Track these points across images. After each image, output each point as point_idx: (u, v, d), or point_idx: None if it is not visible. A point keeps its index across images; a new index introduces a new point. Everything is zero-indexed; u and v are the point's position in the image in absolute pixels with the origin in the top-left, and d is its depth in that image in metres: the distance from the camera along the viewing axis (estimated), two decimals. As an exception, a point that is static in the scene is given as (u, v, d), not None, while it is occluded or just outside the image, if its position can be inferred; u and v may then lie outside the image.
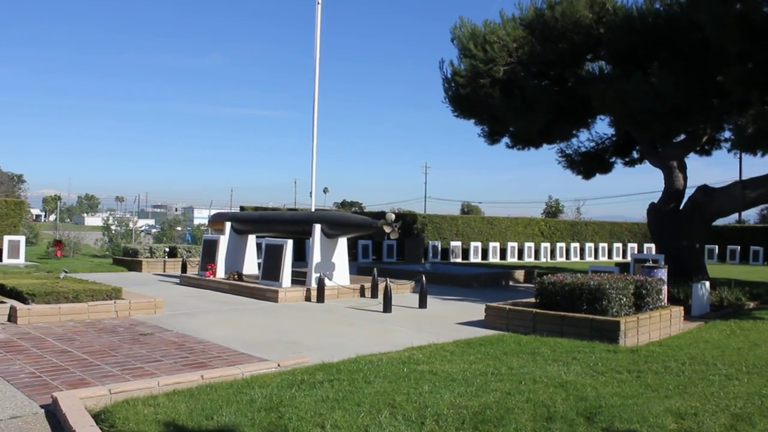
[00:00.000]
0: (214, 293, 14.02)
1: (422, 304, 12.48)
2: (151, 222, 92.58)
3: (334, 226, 13.94)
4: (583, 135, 21.01)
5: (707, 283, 13.01)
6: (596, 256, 36.48)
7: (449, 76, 19.06)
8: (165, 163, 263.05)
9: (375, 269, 14.77)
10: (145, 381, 5.81)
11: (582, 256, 35.86)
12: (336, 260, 14.23)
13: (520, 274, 19.78)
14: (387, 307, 11.71)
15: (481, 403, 5.39)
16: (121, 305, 10.27)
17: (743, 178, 36.61)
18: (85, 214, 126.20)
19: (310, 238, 14.09)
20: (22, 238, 21.06)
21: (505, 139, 20.73)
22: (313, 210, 16.51)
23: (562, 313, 9.28)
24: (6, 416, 4.95)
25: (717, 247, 35.89)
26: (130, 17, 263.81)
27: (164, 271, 19.36)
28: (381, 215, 16.20)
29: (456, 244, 31.35)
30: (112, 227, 28.99)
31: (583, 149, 21.03)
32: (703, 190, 17.27)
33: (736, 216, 41.04)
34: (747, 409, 5.48)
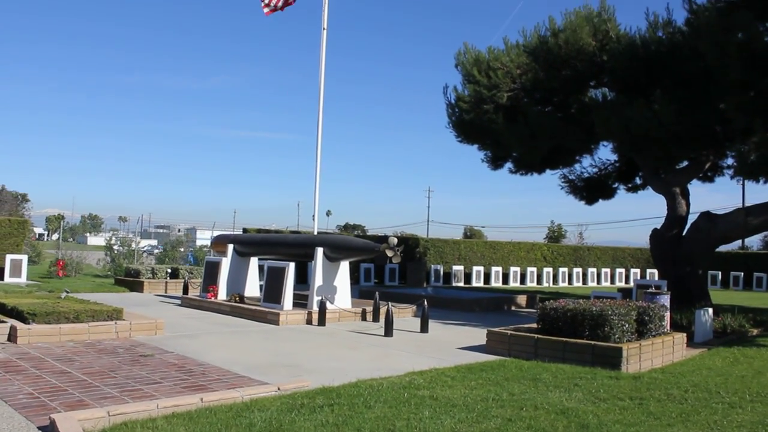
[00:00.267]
0: (215, 315, 13.99)
1: (424, 328, 12.43)
2: (154, 242, 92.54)
3: (336, 249, 13.94)
4: (586, 161, 21.12)
5: (710, 310, 12.95)
6: (599, 282, 36.34)
7: (453, 101, 19.19)
8: (169, 184, 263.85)
9: (377, 293, 14.72)
10: (144, 403, 5.78)
11: (585, 282, 35.75)
12: (338, 283, 14.20)
13: (522, 299, 19.71)
14: (388, 331, 11.66)
15: (481, 430, 5.35)
16: (122, 326, 10.25)
17: (746, 204, 36.62)
18: (88, 234, 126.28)
19: (312, 261, 14.08)
20: (24, 257, 21.09)
21: (509, 165, 20.82)
22: (315, 233, 16.50)
23: (564, 339, 9.24)
24: (4, 437, 4.92)
25: (720, 273, 35.77)
26: (138, 39, 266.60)
27: (166, 292, 19.34)
28: (383, 239, 16.21)
29: (458, 268, 31.30)
30: (115, 247, 28.97)
31: (585, 175, 21.09)
32: (706, 216, 17.27)
33: (739, 242, 40.95)
34: (750, 439, 5.42)
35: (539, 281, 33.71)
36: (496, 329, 10.34)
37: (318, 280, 13.82)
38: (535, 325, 10.24)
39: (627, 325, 9.24)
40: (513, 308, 18.99)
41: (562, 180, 21.24)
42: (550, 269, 34.77)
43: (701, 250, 17.43)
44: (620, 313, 9.17)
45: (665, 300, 11.08)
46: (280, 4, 16.84)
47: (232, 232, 27.07)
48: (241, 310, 13.89)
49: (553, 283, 34.13)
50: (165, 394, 6.40)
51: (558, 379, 7.69)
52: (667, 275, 16.93)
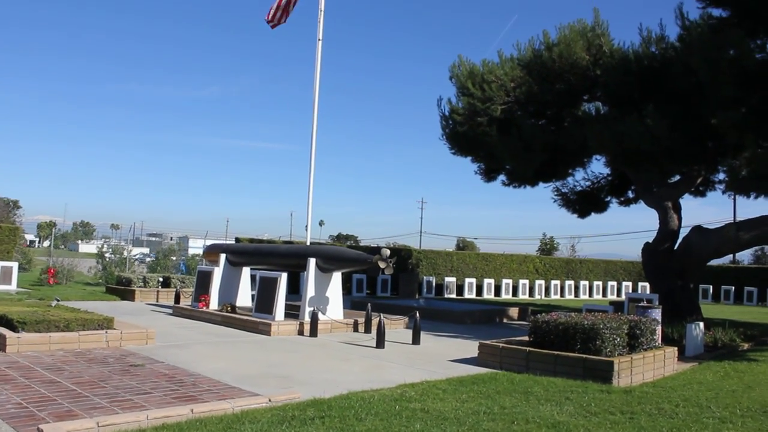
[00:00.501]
0: (206, 325, 13.92)
1: (416, 340, 12.41)
2: (146, 250, 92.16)
3: (329, 260, 13.93)
4: (579, 174, 21.18)
5: (701, 324, 12.99)
6: (591, 294, 36.40)
7: (447, 113, 19.25)
8: (162, 192, 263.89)
9: (369, 304, 14.69)
10: (134, 414, 5.75)
11: (577, 294, 35.80)
12: (330, 294, 14.18)
13: (514, 312, 19.71)
14: (380, 342, 11.63)
15: (472, 443, 5.33)
16: (113, 335, 10.19)
17: (737, 218, 36.78)
18: (79, 241, 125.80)
19: (305, 272, 14.06)
20: (15, 264, 20.95)
21: (502, 177, 20.87)
22: (308, 243, 16.49)
23: (556, 352, 9.24)
24: (-9, 448, 4.88)
25: (711, 287, 35.89)
26: (134, 49, 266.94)
27: (157, 301, 19.25)
28: (376, 250, 16.22)
29: (450, 279, 31.30)
30: (107, 255, 28.84)
31: (578, 188, 21.18)
32: (698, 230, 17.36)
33: (730, 256, 41.14)
34: (740, 455, 5.44)
35: (531, 293, 33.74)
36: (488, 342, 10.34)
37: (310, 290, 13.79)
38: (526, 338, 10.24)
39: (618, 339, 9.26)
40: (505, 320, 18.98)
41: (555, 193, 21.32)
42: (542, 281, 34.82)
43: (693, 264, 17.50)
44: (612, 327, 9.19)
45: (657, 314, 11.11)
46: (279, 15, 17.00)
47: (224, 242, 27.02)
48: (232, 320, 13.83)
49: (545, 296, 34.17)
50: (155, 404, 6.36)
51: (549, 393, 7.68)
52: (659, 289, 17.00)
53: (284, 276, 13.71)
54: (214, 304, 15.30)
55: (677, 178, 18.59)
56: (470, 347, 11.50)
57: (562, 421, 6.23)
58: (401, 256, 30.17)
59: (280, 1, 17.02)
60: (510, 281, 33.38)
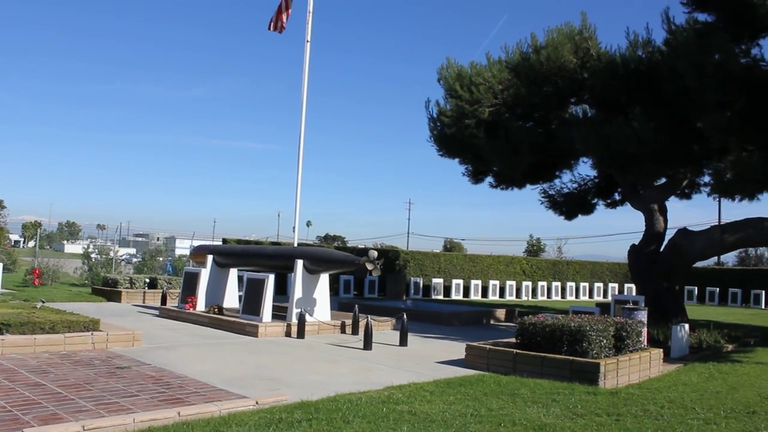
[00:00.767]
0: (193, 326, 13.86)
1: (403, 341, 12.42)
2: (133, 251, 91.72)
3: (316, 262, 13.91)
4: (566, 176, 21.26)
5: (686, 326, 13.10)
6: (577, 296, 36.60)
7: (435, 115, 19.30)
8: (148, 192, 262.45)
9: (356, 306, 14.70)
10: (120, 417, 5.72)
11: (563, 296, 35.97)
12: (317, 296, 14.16)
13: (501, 313, 19.77)
14: (367, 344, 11.64)
15: (460, 446, 5.35)
16: (99, 337, 10.12)
17: (722, 220, 37.09)
18: (65, 242, 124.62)
19: (292, 273, 14.03)
20: (-1, 265, 20.74)
21: (489, 179, 20.93)
22: (295, 245, 16.46)
23: (543, 354, 9.28)
24: (-25, 451, 4.84)
25: (696, 288, 36.20)
26: (119, 49, 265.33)
27: (144, 303, 19.15)
28: (364, 251, 16.22)
29: (438, 281, 31.35)
30: (93, 255, 28.63)
31: (565, 190, 21.26)
32: (683, 233, 17.50)
33: (715, 258, 41.49)
34: (724, 456, 5.49)
35: (518, 295, 33.87)
36: (475, 343, 10.36)
37: (297, 292, 13.77)
38: (513, 340, 10.27)
39: (605, 341, 9.32)
40: (492, 322, 19.04)
41: (542, 195, 21.38)
42: (530, 283, 34.95)
43: (678, 266, 17.64)
44: (598, 329, 9.24)
45: (643, 316, 11.18)
46: (281, 20, 17.08)
47: (211, 243, 26.91)
48: (219, 321, 13.79)
49: (532, 297, 34.30)
50: (141, 407, 6.33)
51: (536, 395, 7.72)
52: (645, 290, 17.11)
53: (272, 277, 13.68)
54: (201, 305, 15.24)
55: (663, 180, 18.74)
56: (457, 349, 11.53)
57: (548, 423, 6.26)
58: (389, 257, 30.20)
59: (279, 8, 17.09)
60: (497, 282, 33.49)
